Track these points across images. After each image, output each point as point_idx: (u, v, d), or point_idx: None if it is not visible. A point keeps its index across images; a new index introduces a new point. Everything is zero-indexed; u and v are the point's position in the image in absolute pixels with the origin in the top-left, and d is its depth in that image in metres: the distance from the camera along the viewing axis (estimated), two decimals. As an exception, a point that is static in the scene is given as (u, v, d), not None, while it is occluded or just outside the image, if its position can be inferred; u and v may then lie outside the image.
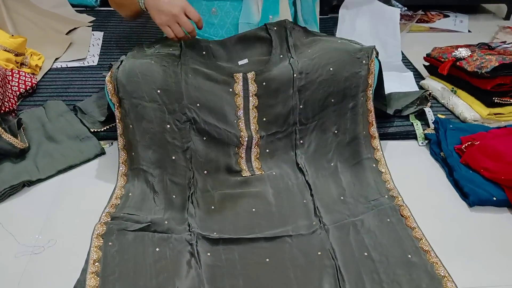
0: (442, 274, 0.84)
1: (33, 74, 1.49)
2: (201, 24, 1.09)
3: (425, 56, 1.49)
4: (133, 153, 1.06)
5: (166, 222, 0.94)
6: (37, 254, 0.88)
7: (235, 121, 1.11)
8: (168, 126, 1.05)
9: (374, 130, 1.13)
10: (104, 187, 1.05)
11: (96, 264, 0.83)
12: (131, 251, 0.86)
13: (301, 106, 1.11)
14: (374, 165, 1.10)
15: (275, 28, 1.18)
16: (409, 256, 0.88)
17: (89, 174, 1.11)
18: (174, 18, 1.04)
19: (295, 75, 1.10)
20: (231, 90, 1.12)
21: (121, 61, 1.08)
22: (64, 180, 1.09)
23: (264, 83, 1.12)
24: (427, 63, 1.51)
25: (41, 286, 0.82)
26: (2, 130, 1.08)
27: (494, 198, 1.02)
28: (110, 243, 0.87)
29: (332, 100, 1.11)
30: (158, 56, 1.10)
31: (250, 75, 1.13)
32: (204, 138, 1.08)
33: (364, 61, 1.10)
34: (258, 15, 1.21)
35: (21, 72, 1.41)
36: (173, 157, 1.05)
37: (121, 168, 1.06)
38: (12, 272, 0.84)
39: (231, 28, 1.22)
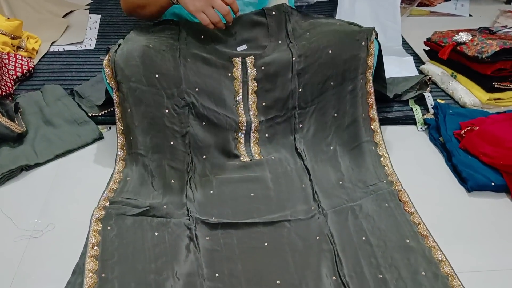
0: (440, 259, 0.84)
1: (29, 57, 1.47)
2: (236, 7, 1.08)
3: (425, 40, 1.48)
4: (131, 138, 1.05)
5: (164, 206, 0.94)
6: (36, 238, 0.89)
7: (234, 106, 1.11)
8: (167, 111, 1.04)
9: (373, 112, 1.12)
10: (102, 172, 1.05)
11: (95, 248, 0.83)
12: (130, 235, 0.87)
13: (300, 90, 1.11)
14: (373, 148, 1.10)
15: (274, 13, 1.17)
16: (407, 240, 0.88)
17: (87, 159, 1.11)
18: (209, 2, 1.03)
19: (294, 58, 1.09)
20: (230, 75, 1.11)
21: (119, 45, 1.07)
22: (62, 164, 1.09)
23: (263, 68, 1.11)
24: (427, 48, 1.50)
25: (40, 270, 0.83)
26: (5, 119, 1.07)
27: (493, 183, 1.02)
28: (109, 228, 0.87)
29: (332, 83, 1.11)
30: (156, 40, 1.09)
31: (249, 60, 1.12)
32: (203, 123, 1.08)
33: (363, 43, 1.09)
34: None
35: (17, 56, 1.39)
36: (172, 143, 1.05)
37: (119, 153, 1.06)
38: (11, 256, 0.85)
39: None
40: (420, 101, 1.33)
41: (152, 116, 1.04)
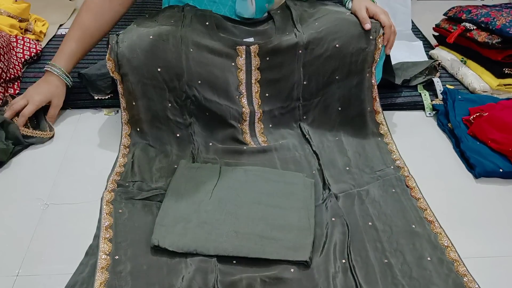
0: (446, 244, 0.85)
1: (37, 40, 1.47)
2: (21, 121, 1.08)
3: (434, 26, 1.47)
4: (137, 129, 1.06)
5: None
6: (45, 219, 0.89)
7: (237, 96, 1.10)
8: (169, 104, 1.05)
9: (378, 105, 1.13)
10: (110, 154, 1.05)
11: (108, 230, 0.84)
12: (141, 219, 0.87)
13: (305, 82, 1.10)
14: (379, 139, 1.11)
15: (279, 12, 1.18)
16: (413, 226, 0.88)
17: (95, 141, 1.11)
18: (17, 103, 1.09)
19: (300, 51, 1.08)
20: (233, 64, 1.10)
21: (117, 35, 1.05)
22: (70, 146, 1.09)
23: (267, 58, 1.10)
24: (436, 33, 1.48)
25: (50, 250, 0.83)
26: (31, 130, 1.08)
27: (501, 170, 1.02)
28: (120, 211, 0.88)
29: (337, 77, 1.10)
30: (157, 29, 1.06)
31: (253, 48, 1.10)
32: (206, 114, 1.08)
33: (371, 36, 1.09)
34: (252, 6, 1.15)
35: (25, 39, 1.39)
36: (178, 135, 1.05)
37: (124, 140, 1.06)
38: (22, 236, 0.86)
39: (233, 5, 1.18)
40: (429, 86, 1.32)
41: (156, 110, 1.05)
